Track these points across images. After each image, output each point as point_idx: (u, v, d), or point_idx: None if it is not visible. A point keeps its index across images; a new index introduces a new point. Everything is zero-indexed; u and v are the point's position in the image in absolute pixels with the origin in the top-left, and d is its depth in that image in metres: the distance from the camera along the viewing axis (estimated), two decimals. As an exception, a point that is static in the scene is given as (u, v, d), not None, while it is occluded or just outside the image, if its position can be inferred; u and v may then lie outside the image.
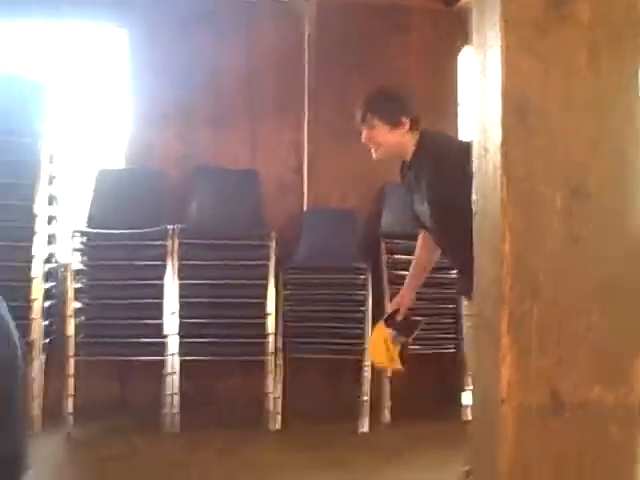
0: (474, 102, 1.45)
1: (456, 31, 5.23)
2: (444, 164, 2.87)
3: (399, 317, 3.30)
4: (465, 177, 2.68)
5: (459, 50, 5.27)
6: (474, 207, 1.44)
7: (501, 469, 1.26)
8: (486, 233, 1.39)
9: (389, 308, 3.52)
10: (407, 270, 4.82)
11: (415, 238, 4.85)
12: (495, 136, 1.36)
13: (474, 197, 1.44)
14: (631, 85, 1.41)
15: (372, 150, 3.01)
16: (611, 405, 1.29)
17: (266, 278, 4.56)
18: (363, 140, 3.00)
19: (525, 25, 1.38)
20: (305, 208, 5.24)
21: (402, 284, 4.80)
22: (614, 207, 1.33)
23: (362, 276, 4.68)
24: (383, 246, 4.89)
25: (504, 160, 1.34)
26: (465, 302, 3.61)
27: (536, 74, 1.37)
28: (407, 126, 2.95)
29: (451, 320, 4.85)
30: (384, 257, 4.87)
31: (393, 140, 2.95)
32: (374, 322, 4.67)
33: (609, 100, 1.40)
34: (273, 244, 4.63)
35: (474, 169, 1.44)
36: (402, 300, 3.39)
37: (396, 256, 4.86)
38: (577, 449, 1.27)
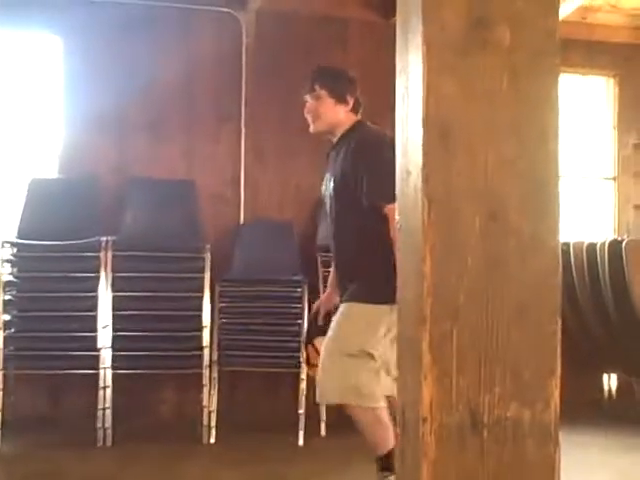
0: (397, 125, 1.47)
1: (394, 44, 5.28)
2: (365, 151, 2.96)
3: (320, 319, 3.33)
4: (378, 175, 2.78)
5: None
6: (398, 225, 1.46)
7: (422, 487, 1.27)
8: (408, 253, 1.40)
9: (312, 309, 3.54)
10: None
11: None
12: (416, 159, 1.38)
13: (397, 217, 1.46)
14: (551, 108, 1.45)
15: (310, 122, 3.09)
16: (528, 422, 1.31)
17: (201, 291, 4.54)
18: (305, 112, 3.09)
19: (446, 49, 1.40)
20: (242, 220, 5.22)
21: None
22: (530, 228, 1.36)
23: (298, 289, 4.68)
24: (319, 259, 4.90)
25: (425, 182, 1.35)
26: None
27: (457, 97, 1.39)
28: (350, 105, 3.04)
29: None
30: (321, 270, 4.89)
31: (333, 115, 3.06)
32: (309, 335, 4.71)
33: (529, 123, 1.43)
34: (208, 256, 4.60)
35: (397, 191, 1.45)
36: (325, 300, 3.43)
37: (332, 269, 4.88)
38: (495, 467, 1.29)
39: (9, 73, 5.06)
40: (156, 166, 5.08)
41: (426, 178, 1.35)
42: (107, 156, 5.01)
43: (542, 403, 1.32)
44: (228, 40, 5.27)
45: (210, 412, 4.53)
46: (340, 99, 3.06)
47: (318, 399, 3.21)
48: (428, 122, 1.37)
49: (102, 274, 4.42)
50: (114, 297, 4.43)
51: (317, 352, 3.20)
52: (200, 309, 4.52)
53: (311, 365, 3.20)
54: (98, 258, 4.43)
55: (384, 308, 2.86)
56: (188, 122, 5.22)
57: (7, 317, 4.33)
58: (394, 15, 1.56)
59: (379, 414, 3.04)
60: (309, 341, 3.28)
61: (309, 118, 3.13)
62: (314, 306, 3.52)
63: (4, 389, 4.29)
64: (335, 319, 3.13)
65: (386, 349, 3.00)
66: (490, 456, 1.29)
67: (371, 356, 3.01)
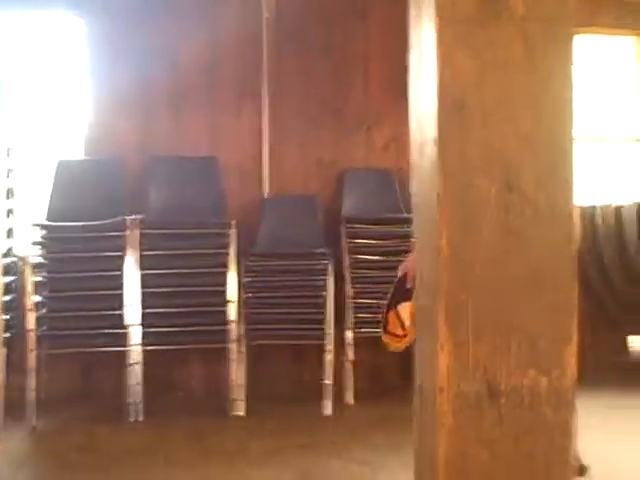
0: (410, 98, 1.48)
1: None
2: None
3: (408, 284, 3.18)
4: None
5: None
6: (413, 202, 1.47)
7: (440, 456, 1.30)
8: (423, 226, 1.42)
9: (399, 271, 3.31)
10: (368, 254, 4.91)
11: (375, 223, 4.94)
12: (431, 131, 1.39)
13: (412, 191, 1.47)
14: (565, 78, 1.44)
15: None
16: (545, 389, 1.33)
17: (227, 266, 4.58)
18: None
19: (460, 21, 1.40)
20: (266, 195, 5.25)
21: (364, 268, 4.89)
22: (546, 200, 1.37)
23: (323, 261, 4.71)
24: (344, 231, 4.92)
25: (440, 155, 1.37)
26: None
27: (472, 69, 1.40)
28: None
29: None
30: (345, 241, 4.91)
31: None
32: (336, 307, 4.75)
33: (543, 94, 1.43)
34: (233, 232, 4.64)
35: (411, 164, 1.47)
36: (412, 263, 3.28)
37: (357, 240, 4.90)
38: (513, 433, 1.32)
39: (34, 55, 5.10)
40: (179, 144, 5.11)
41: (441, 151, 1.36)
42: (131, 136, 5.05)
43: (558, 370, 1.34)
44: (248, 15, 5.25)
45: (238, 385, 4.59)
46: None
47: None
48: (442, 95, 1.37)
49: (129, 253, 4.47)
50: (141, 275, 4.48)
51: (399, 319, 3.10)
52: (226, 284, 4.56)
53: (389, 333, 3.10)
54: (124, 237, 4.48)
55: None
56: (210, 99, 5.23)
57: (38, 298, 4.40)
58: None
59: None
60: (392, 307, 3.15)
61: None
62: (399, 269, 3.39)
63: (37, 368, 4.37)
64: None
65: None
66: (507, 423, 1.32)
67: None
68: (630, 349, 5.65)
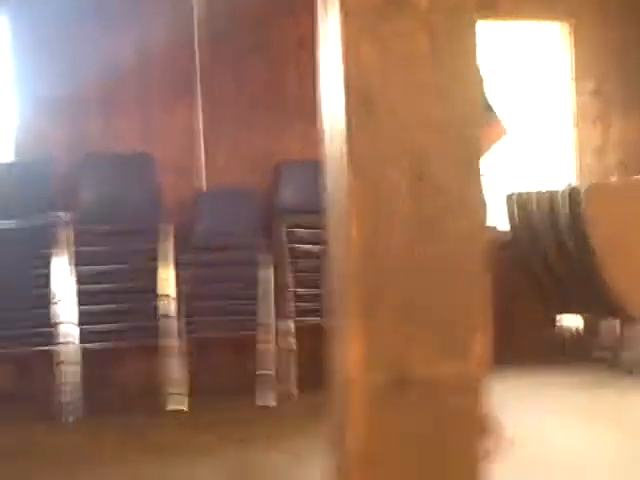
0: (321, 90, 1.48)
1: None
2: None
3: None
4: None
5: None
6: (325, 194, 1.48)
7: (351, 447, 1.31)
8: (336, 217, 1.43)
9: None
10: (305, 243, 4.92)
11: (312, 213, 4.93)
12: (340, 124, 1.39)
13: (325, 183, 1.48)
14: (471, 66, 1.46)
15: None
16: (456, 378, 1.35)
17: (165, 260, 4.54)
18: None
19: (364, 13, 1.40)
20: (202, 190, 5.21)
21: (302, 257, 4.90)
22: (457, 189, 1.38)
23: (261, 252, 4.71)
24: (282, 222, 4.93)
25: (349, 146, 1.37)
26: None
27: (377, 62, 1.40)
28: None
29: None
30: (284, 231, 4.91)
31: None
32: (275, 297, 4.75)
33: (450, 83, 1.44)
34: (170, 227, 4.60)
35: (323, 157, 1.47)
36: None
37: (295, 231, 4.92)
38: (424, 424, 1.33)
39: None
40: (113, 141, 5.06)
41: (350, 142, 1.37)
42: (63, 136, 4.97)
43: (469, 359, 1.35)
44: (180, 14, 5.21)
45: (179, 380, 4.56)
46: None
47: None
48: (349, 87, 1.38)
49: (60, 250, 4.40)
50: (76, 272, 4.42)
51: None
52: (163, 280, 4.52)
53: None
54: (57, 234, 4.41)
55: None
56: (143, 98, 5.18)
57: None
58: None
59: None
60: None
61: None
62: None
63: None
64: None
65: None
66: (418, 413, 1.33)
67: None
68: (566, 327, 5.78)
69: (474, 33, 1.46)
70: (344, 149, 1.38)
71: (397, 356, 1.32)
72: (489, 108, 3.16)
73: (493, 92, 3.20)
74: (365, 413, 1.30)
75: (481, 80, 3.14)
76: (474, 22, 1.48)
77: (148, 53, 5.15)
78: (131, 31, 5.11)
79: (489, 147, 3.19)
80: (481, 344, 1.33)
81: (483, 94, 3.14)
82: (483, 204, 1.43)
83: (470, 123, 1.43)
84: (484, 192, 1.41)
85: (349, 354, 1.30)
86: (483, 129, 3.16)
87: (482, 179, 1.43)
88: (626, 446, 3.57)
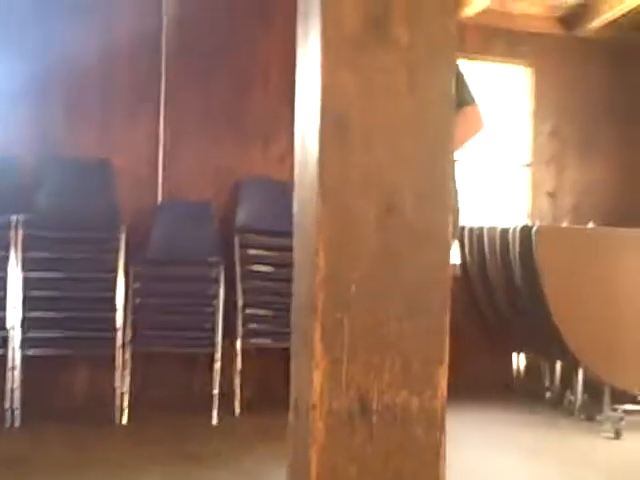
0: (296, 116, 1.49)
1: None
2: None
3: None
4: None
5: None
6: (294, 219, 1.48)
7: (311, 471, 1.31)
8: (302, 244, 1.43)
9: None
10: (261, 264, 4.91)
11: (270, 234, 4.93)
12: (313, 151, 1.40)
13: (296, 209, 1.48)
14: (446, 103, 1.48)
15: None
16: (416, 409, 1.36)
17: (115, 271, 4.48)
18: None
19: (345, 44, 1.42)
20: (160, 201, 5.17)
21: (256, 278, 4.88)
22: (425, 223, 1.40)
23: (215, 270, 4.68)
24: (237, 240, 4.91)
25: (321, 175, 1.38)
26: None
27: (355, 92, 1.42)
28: None
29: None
30: (238, 251, 4.89)
31: None
32: (226, 316, 4.73)
33: (425, 118, 1.47)
34: (123, 237, 4.55)
35: (294, 181, 1.48)
36: None
37: (250, 251, 4.90)
38: (383, 451, 1.34)
39: None
40: (73, 145, 4.96)
41: (322, 170, 1.38)
42: (22, 134, 4.87)
43: (430, 391, 1.37)
44: (147, 17, 5.17)
45: (123, 393, 4.50)
46: None
47: None
48: (325, 115, 1.39)
49: (12, 253, 4.33)
50: (25, 277, 4.34)
51: None
52: (114, 290, 4.47)
53: None
54: (7, 237, 4.33)
55: None
56: (106, 101, 5.11)
57: None
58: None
59: None
60: None
61: None
62: None
63: None
64: None
65: None
66: (378, 441, 1.34)
67: None
68: (513, 366, 5.86)
69: (452, 70, 1.49)
70: (315, 176, 1.39)
71: (359, 384, 1.32)
72: (471, 99, 3.14)
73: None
74: (326, 438, 1.30)
75: (461, 74, 3.14)
76: (453, 59, 1.51)
77: (113, 54, 5.09)
78: (98, 31, 5.04)
79: (465, 139, 3.16)
80: (444, 378, 1.35)
81: (465, 85, 3.13)
82: (448, 242, 1.45)
83: (441, 157, 1.46)
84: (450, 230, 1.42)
85: (312, 380, 1.30)
86: (460, 118, 3.14)
87: (450, 218, 1.45)
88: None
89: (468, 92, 3.12)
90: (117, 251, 4.50)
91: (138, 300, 4.58)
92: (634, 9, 5.69)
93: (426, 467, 1.38)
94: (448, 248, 1.45)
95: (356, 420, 1.33)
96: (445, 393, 1.39)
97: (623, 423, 4.63)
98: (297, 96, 1.50)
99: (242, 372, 4.78)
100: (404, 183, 1.42)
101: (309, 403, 1.32)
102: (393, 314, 1.37)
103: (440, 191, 1.44)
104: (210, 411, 4.57)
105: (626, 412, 4.74)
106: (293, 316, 1.47)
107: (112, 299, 4.45)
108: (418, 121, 1.45)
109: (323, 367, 1.32)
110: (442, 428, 1.39)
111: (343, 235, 1.36)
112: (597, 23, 6.00)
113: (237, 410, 4.77)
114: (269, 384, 5.03)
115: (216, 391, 4.61)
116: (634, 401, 4.96)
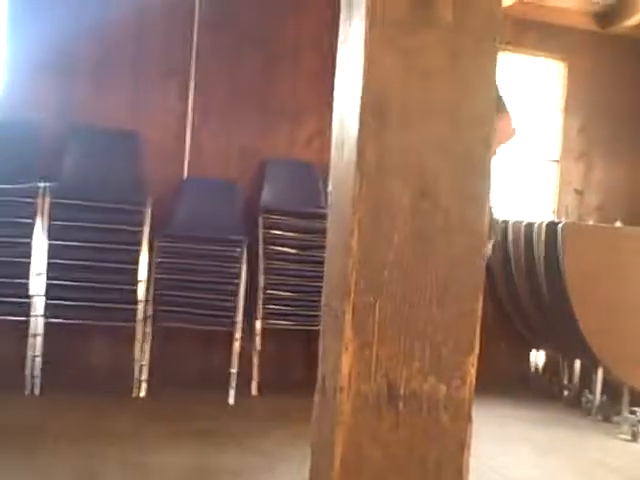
0: (335, 95, 1.47)
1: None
2: None
3: None
4: None
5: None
6: (329, 199, 1.47)
7: (336, 452, 1.31)
8: (337, 225, 1.42)
9: None
10: (284, 246, 4.90)
11: (294, 216, 4.92)
12: (352, 131, 1.39)
13: (330, 189, 1.47)
14: (487, 91, 1.46)
15: None
16: (443, 397, 1.35)
17: (139, 244, 4.50)
18: None
19: (389, 24, 1.40)
20: (185, 176, 5.17)
21: (278, 259, 4.87)
22: (458, 210, 1.38)
23: (238, 249, 4.68)
24: (261, 221, 4.89)
25: (358, 156, 1.36)
26: None
27: (397, 73, 1.40)
28: None
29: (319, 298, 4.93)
30: (262, 232, 4.88)
31: None
32: (247, 295, 4.73)
33: (465, 105, 1.44)
34: (148, 210, 4.56)
35: (331, 161, 1.46)
36: None
37: (273, 231, 4.89)
38: (408, 437, 1.33)
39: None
40: (100, 113, 4.96)
41: (360, 151, 1.36)
42: (50, 100, 4.88)
43: (458, 380, 1.35)
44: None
45: (142, 366, 4.52)
46: None
47: None
48: (366, 95, 1.37)
49: (38, 221, 4.35)
50: (50, 245, 4.36)
51: None
52: (137, 263, 4.48)
53: None
54: (34, 204, 4.34)
55: None
56: (136, 72, 5.11)
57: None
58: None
59: None
60: None
61: None
62: None
63: None
64: None
65: None
66: (404, 427, 1.33)
67: None
68: (531, 363, 5.83)
69: (495, 58, 1.46)
70: (352, 156, 1.37)
71: (388, 368, 1.31)
72: (503, 107, 3.15)
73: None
74: (353, 420, 1.29)
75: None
76: (497, 48, 1.48)
77: (145, 25, 5.08)
78: (130, 3, 5.03)
79: (497, 145, 3.19)
80: (472, 367, 1.34)
81: (498, 92, 3.13)
82: (484, 227, 1.43)
83: (480, 145, 1.43)
84: (490, 215, 1.40)
85: (341, 362, 1.29)
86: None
87: (487, 205, 1.42)
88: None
89: (501, 100, 3.13)
90: (142, 224, 4.51)
91: (161, 274, 4.58)
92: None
93: (450, 456, 1.37)
94: (481, 236, 1.43)
95: (383, 405, 1.32)
96: (474, 382, 1.38)
97: (640, 425, 4.60)
98: (337, 75, 1.48)
99: (261, 353, 4.79)
100: (441, 169, 1.40)
101: (337, 385, 1.31)
102: (424, 300, 1.36)
103: (477, 179, 1.42)
104: (227, 390, 4.58)
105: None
106: (324, 297, 1.46)
107: (135, 272, 4.47)
108: (458, 107, 1.42)
109: (352, 350, 1.31)
110: (469, 418, 1.38)
111: (378, 218, 1.35)
112: (631, 21, 5.92)
113: (254, 391, 4.78)
114: (287, 366, 5.04)
115: (234, 370, 4.62)
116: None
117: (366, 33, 1.36)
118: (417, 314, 1.34)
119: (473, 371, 1.36)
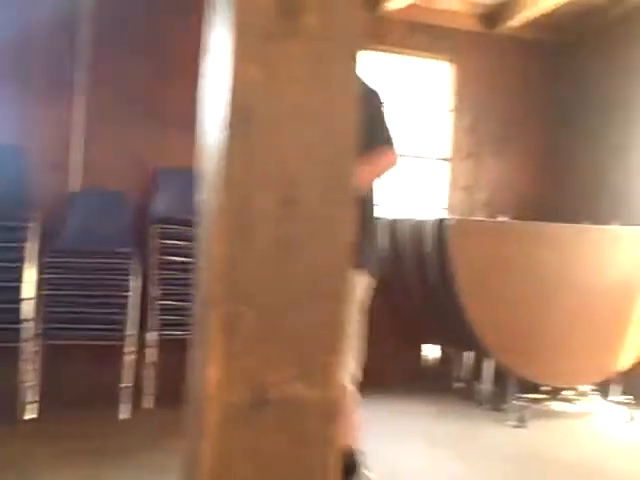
0: (200, 104, 1.47)
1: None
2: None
3: None
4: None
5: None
6: (199, 209, 1.47)
7: (205, 463, 1.30)
8: (204, 235, 1.42)
9: None
10: (176, 255, 4.84)
11: (186, 224, 4.86)
12: (217, 140, 1.39)
13: (200, 199, 1.47)
14: (351, 96, 1.48)
15: None
16: (312, 401, 1.36)
17: (23, 261, 4.35)
18: None
19: (254, 33, 1.41)
20: (74, 189, 5.04)
21: (170, 269, 4.81)
22: (324, 215, 1.40)
23: (127, 260, 4.59)
24: (152, 231, 4.83)
25: (223, 165, 1.37)
26: None
27: (262, 82, 1.40)
28: None
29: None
30: (153, 242, 4.81)
31: None
32: (142, 307, 4.64)
33: (331, 111, 1.46)
34: (35, 225, 4.42)
35: (200, 171, 1.46)
36: None
37: (164, 241, 4.82)
38: (277, 444, 1.33)
39: None
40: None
41: (226, 161, 1.36)
42: None
43: (326, 383, 1.37)
44: (65, 1, 5.03)
45: (30, 387, 4.38)
46: None
47: None
48: (231, 105, 1.37)
49: None
50: None
51: None
52: (20, 280, 4.33)
53: None
54: None
55: None
56: (20, 84, 4.95)
57: None
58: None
59: None
60: None
61: None
62: None
63: None
64: None
65: None
66: (274, 433, 1.33)
67: None
68: (423, 358, 5.95)
69: (356, 62, 1.49)
70: (220, 166, 1.38)
71: (254, 376, 1.32)
72: (389, 139, 3.24)
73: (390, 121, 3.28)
74: (221, 431, 1.29)
75: (382, 110, 3.24)
76: (359, 52, 1.51)
77: (30, 37, 4.93)
78: (15, 11, 4.87)
79: (378, 175, 3.28)
80: (340, 370, 1.35)
81: (384, 124, 3.23)
82: (349, 233, 1.45)
83: (344, 151, 1.46)
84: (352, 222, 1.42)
85: (207, 372, 1.29)
86: (376, 154, 3.31)
87: (353, 210, 1.45)
88: (459, 469, 3.86)
89: (387, 132, 3.24)
90: (24, 240, 4.37)
91: (49, 291, 4.45)
92: (554, 9, 5.83)
93: (321, 460, 1.38)
94: (349, 241, 1.45)
95: (251, 413, 1.32)
96: (341, 385, 1.40)
97: (527, 412, 4.76)
98: (202, 85, 1.48)
99: (157, 365, 4.71)
100: (306, 176, 1.42)
101: (204, 395, 1.31)
102: (290, 306, 1.37)
103: (343, 185, 1.44)
104: (120, 405, 4.48)
105: (530, 401, 4.89)
106: (194, 307, 1.45)
107: (18, 290, 4.32)
108: (322, 112, 1.44)
109: (219, 359, 1.31)
110: (338, 420, 1.40)
111: (243, 226, 1.35)
112: (516, 22, 6.15)
113: (148, 404, 4.70)
114: (184, 377, 4.97)
115: (125, 384, 4.53)
116: (538, 391, 5.12)
117: (232, 42, 1.37)
118: (282, 321, 1.35)
119: (340, 373, 1.38)
